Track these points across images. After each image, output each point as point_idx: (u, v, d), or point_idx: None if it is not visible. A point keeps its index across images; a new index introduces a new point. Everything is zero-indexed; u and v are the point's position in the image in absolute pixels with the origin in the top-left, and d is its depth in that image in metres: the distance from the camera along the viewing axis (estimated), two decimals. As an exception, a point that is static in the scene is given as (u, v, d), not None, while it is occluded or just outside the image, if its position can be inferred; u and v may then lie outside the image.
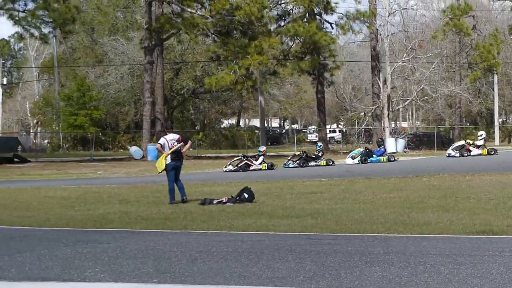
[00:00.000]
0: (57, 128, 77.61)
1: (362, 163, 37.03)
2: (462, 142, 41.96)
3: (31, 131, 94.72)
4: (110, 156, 62.18)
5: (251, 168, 34.90)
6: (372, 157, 37.95)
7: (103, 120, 76.65)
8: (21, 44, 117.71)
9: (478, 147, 40.48)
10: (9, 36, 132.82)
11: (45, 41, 59.06)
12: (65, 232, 13.46)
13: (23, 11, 51.45)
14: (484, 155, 39.94)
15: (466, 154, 39.44)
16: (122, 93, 75.03)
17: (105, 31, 79.44)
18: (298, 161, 36.60)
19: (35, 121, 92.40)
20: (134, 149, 54.47)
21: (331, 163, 36.88)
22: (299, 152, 38.33)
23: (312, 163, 36.53)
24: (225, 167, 34.87)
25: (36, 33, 53.53)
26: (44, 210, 17.41)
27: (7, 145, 70.00)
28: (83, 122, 70.50)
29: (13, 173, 38.43)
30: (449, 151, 40.75)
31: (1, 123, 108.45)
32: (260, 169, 34.95)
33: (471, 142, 41.29)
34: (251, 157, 36.31)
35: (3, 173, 37.82)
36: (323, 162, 36.76)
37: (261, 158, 35.74)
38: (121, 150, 71.36)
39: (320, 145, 38.75)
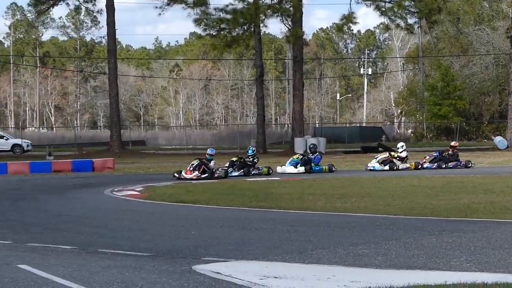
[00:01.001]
0: (420, 118, 78.16)
1: (306, 172, 30.25)
2: (385, 154, 33.15)
3: (395, 121, 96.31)
4: (473, 146, 61.33)
5: (215, 175, 27.82)
6: (314, 165, 31.14)
7: (467, 110, 75.75)
8: (386, 35, 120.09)
9: (402, 159, 32.35)
10: (374, 27, 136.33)
11: (411, 31, 59.72)
12: (429, 221, 13.41)
13: (390, 2, 52.43)
14: (412, 169, 31.89)
15: (395, 168, 31.53)
16: (487, 82, 73.68)
17: (471, 20, 78.49)
18: (241, 169, 29.60)
19: (399, 111, 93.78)
20: (498, 139, 53.32)
21: (271, 171, 30.23)
22: (235, 158, 30.56)
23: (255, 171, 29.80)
24: (185, 173, 27.58)
25: (402, 24, 54.33)
26: (408, 199, 17.50)
27: (372, 134, 72.22)
28: (447, 112, 70.37)
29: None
30: (374, 164, 32.26)
31: (365, 113, 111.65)
32: (221, 177, 27.89)
33: (395, 154, 32.78)
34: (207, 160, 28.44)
35: (368, 162, 38.69)
36: (264, 170, 29.97)
37: (213, 162, 28.37)
38: (485, 140, 70.18)
39: (254, 149, 31.38)
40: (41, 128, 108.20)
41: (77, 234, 12.60)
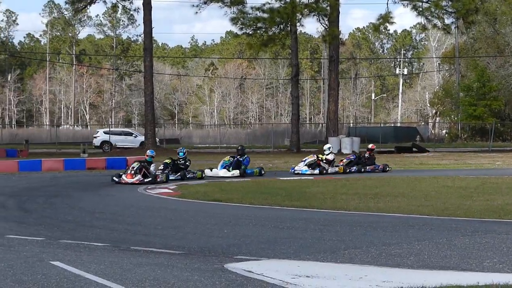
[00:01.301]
0: (455, 118, 77.63)
1: (240, 175, 28.04)
2: (313, 157, 30.27)
3: (430, 121, 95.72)
4: (508, 147, 60.86)
5: (158, 179, 25.19)
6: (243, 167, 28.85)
7: (502, 110, 75.15)
8: (423, 35, 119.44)
9: (330, 162, 30.04)
10: (410, 27, 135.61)
11: (447, 31, 59.37)
12: (463, 221, 13.33)
13: (427, 2, 52.19)
14: (340, 172, 29.59)
15: (324, 171, 29.24)
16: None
17: (508, 21, 77.72)
18: (175, 172, 26.97)
19: (433, 111, 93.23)
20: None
21: (204, 175, 27.92)
22: (169, 160, 27.56)
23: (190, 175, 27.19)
24: (126, 176, 24.90)
25: (439, 24, 54.09)
26: (442, 200, 17.41)
27: (407, 134, 71.91)
28: (482, 112, 69.84)
29: (412, 162, 39.07)
30: (301, 167, 29.72)
31: (400, 113, 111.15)
32: (164, 181, 25.32)
33: (322, 157, 29.95)
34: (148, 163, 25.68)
35: (402, 162, 38.60)
36: (199, 174, 27.79)
37: (153, 166, 25.77)
38: (520, 141, 69.60)
39: (185, 151, 28.33)
40: (75, 126, 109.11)
41: (110, 231, 12.69)
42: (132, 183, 24.38)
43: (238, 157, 29.35)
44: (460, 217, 13.98)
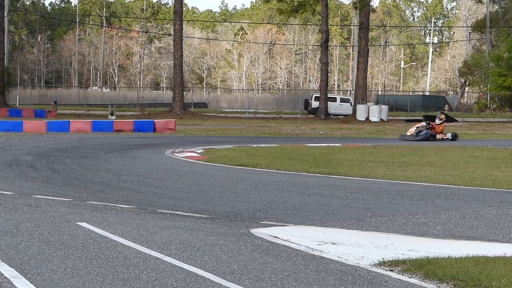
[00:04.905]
0: (485, 88, 76.96)
1: None
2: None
3: (459, 91, 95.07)
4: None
5: None
6: None
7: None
8: (454, 4, 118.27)
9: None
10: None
11: (479, 0, 58.57)
12: (490, 192, 13.24)
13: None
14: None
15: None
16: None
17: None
18: None
19: (463, 80, 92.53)
20: None
21: None
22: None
23: None
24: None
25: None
26: (469, 170, 17.29)
27: (435, 103, 71.52)
28: None
29: (440, 131, 38.83)
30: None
31: (429, 81, 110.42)
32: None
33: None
34: None
35: (430, 131, 38.35)
36: None
37: None
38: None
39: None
40: (104, 88, 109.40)
41: (136, 194, 12.76)
42: None
43: None
44: (488, 187, 13.89)
